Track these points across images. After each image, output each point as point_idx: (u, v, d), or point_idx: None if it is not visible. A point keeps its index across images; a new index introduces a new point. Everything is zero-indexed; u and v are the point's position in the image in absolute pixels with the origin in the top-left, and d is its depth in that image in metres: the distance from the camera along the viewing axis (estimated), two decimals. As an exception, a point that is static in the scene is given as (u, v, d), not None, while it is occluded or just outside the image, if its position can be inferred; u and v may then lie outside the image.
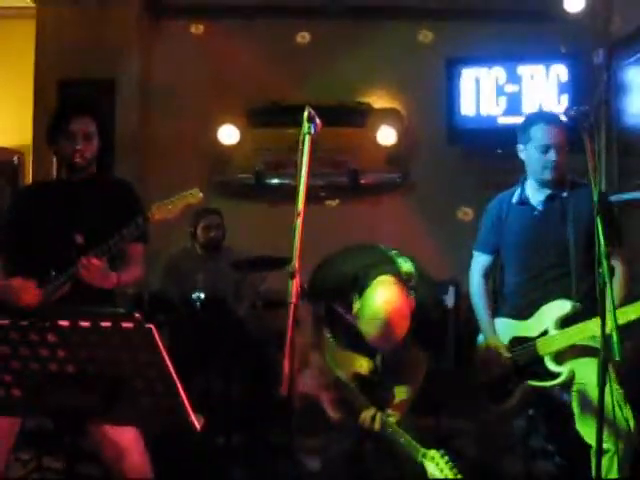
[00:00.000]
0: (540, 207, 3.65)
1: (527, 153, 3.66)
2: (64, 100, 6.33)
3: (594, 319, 3.22)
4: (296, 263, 2.71)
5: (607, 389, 3.03)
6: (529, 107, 6.23)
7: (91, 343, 2.10)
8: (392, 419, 3.31)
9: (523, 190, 3.73)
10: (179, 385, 2.12)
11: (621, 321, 3.01)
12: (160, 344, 2.06)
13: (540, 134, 3.58)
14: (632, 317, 3.22)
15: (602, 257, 2.89)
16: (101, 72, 6.61)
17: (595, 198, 2.99)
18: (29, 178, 6.81)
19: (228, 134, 6.67)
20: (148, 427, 2.99)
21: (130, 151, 6.49)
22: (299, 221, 2.80)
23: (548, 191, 3.64)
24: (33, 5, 6.73)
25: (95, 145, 3.56)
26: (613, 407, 3.07)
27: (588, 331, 3.33)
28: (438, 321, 3.56)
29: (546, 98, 6.31)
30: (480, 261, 3.89)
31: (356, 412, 3.35)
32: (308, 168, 2.90)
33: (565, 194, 3.61)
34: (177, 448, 4.08)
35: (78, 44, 6.57)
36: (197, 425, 2.19)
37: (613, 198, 5.71)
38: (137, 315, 2.02)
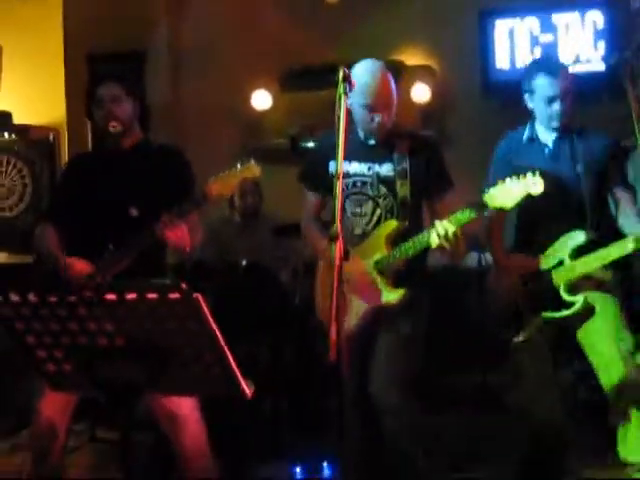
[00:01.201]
0: (550, 145, 3.70)
1: (534, 103, 3.68)
2: (96, 72, 6.33)
3: (615, 244, 3.33)
4: (338, 226, 2.70)
5: (617, 337, 3.45)
6: (565, 56, 6.10)
7: (138, 315, 2.10)
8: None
9: (533, 129, 3.76)
10: (228, 353, 2.12)
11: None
12: (207, 313, 2.06)
13: (543, 86, 3.59)
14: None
15: None
16: (131, 43, 6.63)
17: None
18: (65, 155, 6.83)
19: (261, 99, 6.64)
20: (199, 395, 3.01)
21: (163, 121, 6.44)
22: (339, 184, 2.78)
23: (557, 133, 3.69)
24: (59, -20, 6.72)
25: (126, 108, 3.55)
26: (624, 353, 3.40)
27: (604, 258, 3.38)
28: None
29: (582, 46, 6.18)
30: None
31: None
32: (345, 128, 2.88)
33: (575, 135, 3.66)
34: (224, 412, 4.12)
35: (106, 17, 6.58)
36: (248, 392, 2.20)
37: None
38: (183, 285, 2.01)
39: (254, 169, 3.37)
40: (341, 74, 2.93)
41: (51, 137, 6.92)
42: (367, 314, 3.48)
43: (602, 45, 6.13)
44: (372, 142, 3.53)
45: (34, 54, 6.90)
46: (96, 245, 3.37)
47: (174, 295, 2.02)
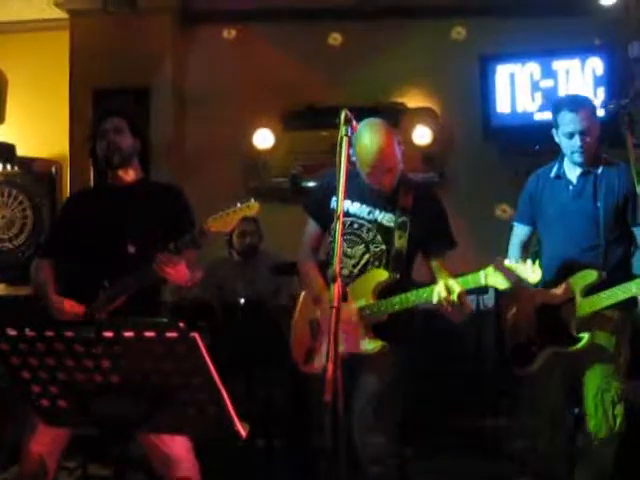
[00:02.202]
0: (575, 182, 3.78)
1: (558, 137, 3.78)
2: (100, 108, 6.38)
3: (620, 286, 3.47)
4: (337, 267, 2.70)
5: (606, 385, 3.61)
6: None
7: (135, 353, 2.10)
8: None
9: (561, 165, 3.86)
10: (224, 393, 2.12)
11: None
12: (204, 352, 2.05)
13: (565, 121, 3.70)
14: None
15: None
16: (135, 80, 6.66)
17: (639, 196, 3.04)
18: (67, 188, 6.87)
19: (263, 138, 6.68)
20: (194, 435, 3.00)
21: (166, 158, 6.52)
22: (339, 224, 2.79)
23: (582, 169, 3.77)
24: (66, 16, 6.79)
25: (128, 140, 3.57)
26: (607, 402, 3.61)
27: (612, 297, 3.49)
28: None
29: (582, 92, 6.21)
30: (518, 232, 4.03)
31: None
32: (346, 170, 2.90)
33: (599, 171, 3.74)
34: (217, 451, 4.09)
35: (112, 53, 6.63)
36: (243, 433, 2.19)
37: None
38: (181, 324, 2.01)
39: (253, 207, 3.38)
40: (343, 116, 2.96)
41: (53, 170, 6.98)
42: (343, 356, 3.42)
43: (601, 91, 6.18)
44: (377, 187, 3.51)
45: (39, 87, 6.99)
46: (92, 281, 3.37)
47: (171, 334, 2.03)
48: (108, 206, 3.57)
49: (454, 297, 3.22)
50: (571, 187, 3.78)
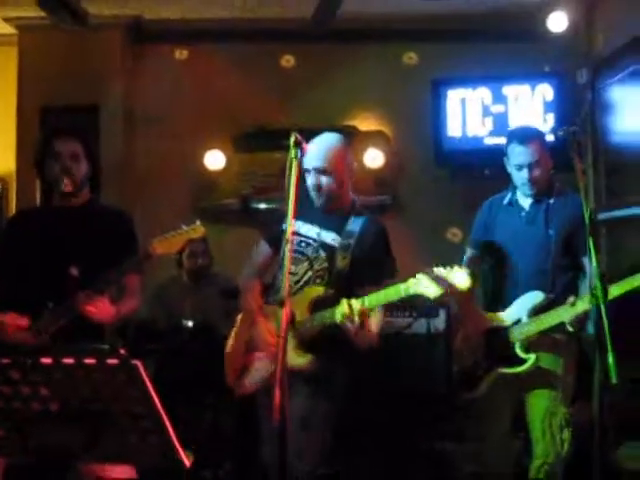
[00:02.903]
0: (527, 209, 3.83)
1: (510, 168, 3.83)
2: (49, 125, 6.28)
3: (564, 306, 3.53)
4: (286, 292, 2.67)
5: (553, 409, 3.66)
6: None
7: (75, 380, 2.04)
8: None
9: (514, 193, 3.90)
10: (167, 421, 2.07)
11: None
12: (147, 380, 2.00)
13: (514, 153, 3.75)
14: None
15: (596, 278, 3.02)
16: (85, 98, 6.57)
17: (587, 219, 3.07)
18: (12, 207, 6.75)
19: (214, 159, 6.63)
20: (136, 464, 2.92)
21: (115, 177, 6.41)
22: (288, 248, 2.76)
23: (533, 198, 3.82)
24: (15, 32, 6.69)
25: (84, 167, 3.51)
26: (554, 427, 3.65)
27: (557, 317, 3.56)
28: None
29: (532, 118, 6.30)
30: (469, 259, 4.04)
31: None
32: (296, 193, 2.88)
33: (552, 200, 3.78)
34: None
35: (61, 70, 6.55)
36: (187, 462, 2.13)
37: (601, 216, 5.74)
38: (122, 351, 1.96)
39: (199, 230, 3.39)
40: (293, 139, 2.94)
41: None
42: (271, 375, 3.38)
43: (551, 117, 6.27)
44: (325, 208, 3.53)
45: (-14, 105, 6.86)
46: (35, 302, 3.30)
47: (112, 361, 1.97)
48: (53, 227, 3.50)
49: (355, 316, 3.19)
50: (523, 214, 3.82)
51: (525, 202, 3.84)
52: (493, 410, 3.80)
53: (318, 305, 3.40)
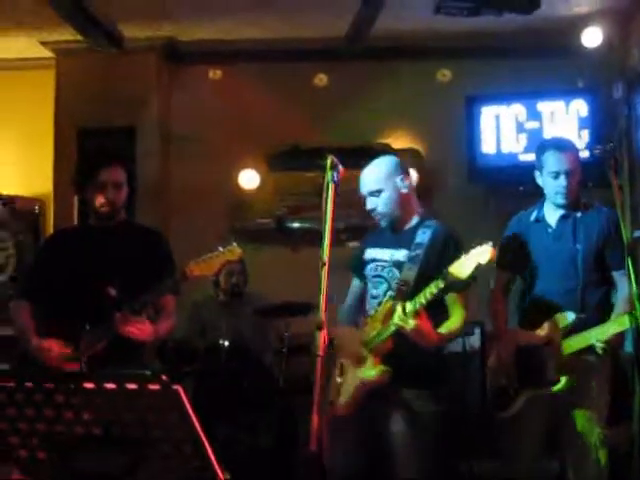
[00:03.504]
0: (554, 225, 3.79)
1: (542, 179, 3.80)
2: (90, 149, 6.34)
3: (595, 328, 3.50)
4: (322, 315, 2.68)
5: (588, 429, 3.60)
6: (550, 144, 6.20)
7: (117, 405, 2.05)
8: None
9: (541, 209, 3.87)
10: (208, 446, 2.07)
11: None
12: (187, 405, 2.01)
13: (551, 161, 3.73)
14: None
15: (635, 298, 3.10)
16: (121, 120, 6.67)
17: (625, 238, 3.04)
18: (50, 227, 6.82)
19: (249, 179, 6.68)
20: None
21: (151, 198, 6.48)
22: (324, 271, 2.77)
23: (562, 211, 3.78)
24: (52, 55, 6.80)
25: (124, 194, 3.56)
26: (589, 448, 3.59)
27: (586, 340, 3.51)
28: None
29: (566, 134, 6.25)
30: (500, 277, 3.99)
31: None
32: (332, 216, 2.88)
33: (579, 214, 3.75)
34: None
35: (97, 92, 6.64)
36: (225, 485, 2.14)
37: (637, 233, 5.67)
38: (163, 377, 1.98)
39: (236, 251, 3.42)
40: (329, 162, 2.95)
41: (37, 209, 6.92)
42: (359, 391, 3.43)
43: (586, 133, 6.23)
44: (397, 230, 3.62)
45: (24, 126, 6.96)
46: (73, 324, 3.33)
47: (154, 386, 1.99)
48: (90, 247, 3.54)
49: (408, 318, 3.23)
50: (550, 230, 3.79)
51: (552, 218, 3.80)
52: (526, 429, 3.74)
53: (388, 318, 3.42)
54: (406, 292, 3.43)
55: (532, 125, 6.35)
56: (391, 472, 3.44)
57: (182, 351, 5.18)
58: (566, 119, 6.29)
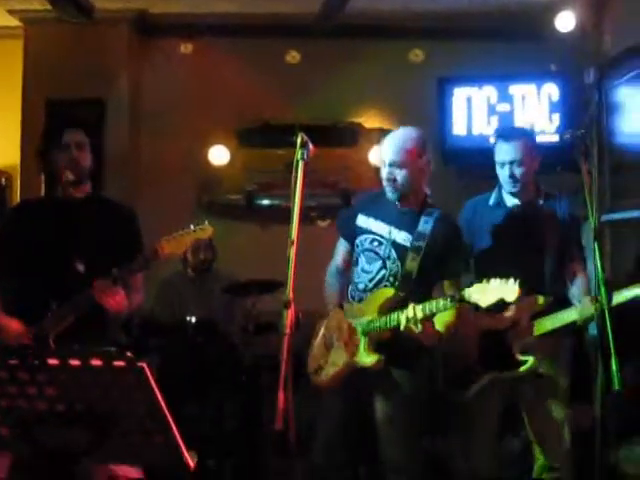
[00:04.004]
0: (514, 210, 3.81)
1: (496, 167, 3.82)
2: (55, 117, 6.26)
3: (568, 309, 3.54)
4: (290, 293, 2.67)
5: (556, 410, 3.68)
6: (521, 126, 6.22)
7: (81, 382, 2.04)
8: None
9: (500, 193, 3.88)
10: (172, 423, 2.07)
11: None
12: (152, 382, 2.00)
13: (499, 151, 3.77)
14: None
15: (601, 283, 3.10)
16: (90, 92, 6.57)
17: (592, 224, 3.09)
18: (17, 199, 6.74)
19: (218, 154, 6.63)
20: (140, 464, 2.93)
21: (120, 171, 6.44)
22: (293, 250, 2.75)
23: (518, 198, 3.80)
24: (20, 24, 6.68)
25: (88, 157, 3.48)
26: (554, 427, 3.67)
27: (558, 321, 3.55)
28: None
29: (537, 117, 6.30)
30: None
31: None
32: (301, 194, 2.87)
33: (539, 201, 3.80)
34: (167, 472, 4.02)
35: (66, 63, 6.54)
36: (191, 463, 2.13)
37: (605, 217, 5.73)
38: (129, 354, 1.96)
39: (207, 230, 3.39)
40: (299, 140, 2.93)
41: (3, 181, 6.83)
42: (345, 367, 3.50)
43: (557, 117, 6.26)
44: (399, 207, 3.60)
45: (-9, 96, 6.86)
46: (39, 300, 3.27)
47: (119, 363, 1.97)
48: (57, 221, 3.46)
49: (417, 322, 3.25)
50: (511, 214, 3.81)
51: (512, 203, 3.83)
52: (482, 411, 3.77)
53: (387, 307, 3.44)
54: (409, 285, 3.46)
55: (503, 108, 6.37)
56: (376, 452, 3.53)
57: (148, 326, 5.16)
58: (537, 103, 6.32)
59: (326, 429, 3.61)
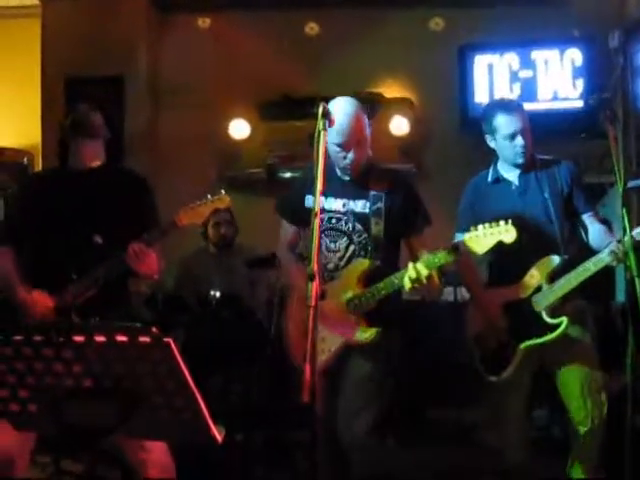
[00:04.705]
0: (517, 182, 3.77)
1: (496, 142, 3.77)
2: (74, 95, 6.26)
3: (590, 259, 3.46)
4: (314, 265, 2.64)
5: (590, 376, 3.61)
6: (544, 93, 6.17)
7: (107, 358, 2.04)
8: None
9: (496, 170, 3.85)
10: (199, 398, 2.06)
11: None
12: (179, 358, 1.99)
13: (503, 124, 3.70)
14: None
15: (629, 249, 3.13)
16: (109, 69, 6.57)
17: (620, 189, 3.05)
18: (39, 178, 6.74)
19: (239, 128, 6.61)
20: (168, 440, 2.94)
21: (140, 147, 6.44)
22: (317, 221, 2.73)
23: (521, 169, 3.77)
24: (37, 3, 6.66)
25: (99, 118, 3.49)
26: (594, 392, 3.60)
27: (586, 272, 3.48)
28: None
29: (561, 83, 6.22)
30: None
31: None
32: (324, 166, 2.84)
33: (538, 169, 3.75)
34: (194, 444, 4.04)
35: (84, 41, 6.53)
36: (218, 438, 2.13)
37: (631, 184, 5.66)
38: (154, 329, 1.95)
39: (225, 200, 3.40)
40: (321, 110, 2.90)
41: (25, 160, 6.84)
42: (340, 349, 3.44)
43: (580, 83, 6.18)
44: (348, 178, 3.51)
45: (10, 76, 6.86)
46: (59, 271, 3.29)
47: (144, 339, 1.96)
48: (73, 192, 3.46)
49: (423, 280, 3.22)
50: (514, 187, 3.77)
51: (512, 176, 3.78)
52: (515, 383, 3.71)
53: (369, 278, 3.40)
54: (380, 250, 3.43)
55: (526, 74, 6.30)
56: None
57: (172, 302, 5.17)
58: (560, 68, 6.24)
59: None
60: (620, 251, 3.34)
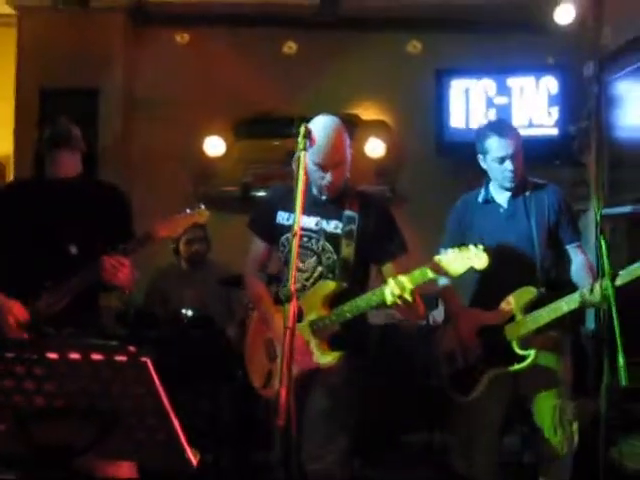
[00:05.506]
0: (505, 205, 3.80)
1: (487, 163, 3.80)
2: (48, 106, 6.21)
3: (564, 298, 3.49)
4: (292, 286, 2.61)
5: (561, 406, 3.66)
6: (519, 119, 6.19)
7: (81, 376, 1.98)
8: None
9: (488, 190, 3.87)
10: (175, 419, 2.02)
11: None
12: (155, 377, 1.95)
13: (495, 146, 3.72)
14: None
15: (607, 277, 3.09)
16: (85, 81, 6.51)
17: (597, 217, 3.07)
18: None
19: (214, 145, 6.58)
20: (142, 462, 2.88)
21: (113, 161, 6.39)
22: (295, 241, 2.70)
23: (511, 192, 3.80)
24: (14, 12, 6.60)
25: (76, 129, 3.50)
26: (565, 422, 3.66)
27: (558, 310, 3.50)
28: None
29: (536, 110, 6.27)
30: None
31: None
32: (304, 186, 2.81)
33: (528, 193, 3.77)
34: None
35: (61, 52, 6.47)
36: (193, 461, 2.09)
37: (603, 212, 5.69)
38: (131, 348, 1.91)
39: (203, 214, 3.41)
40: (302, 130, 2.88)
41: (-3, 171, 6.76)
42: (297, 376, 3.21)
43: (555, 110, 6.23)
44: (324, 198, 3.45)
45: (-16, 85, 6.77)
46: (32, 281, 3.25)
47: (121, 357, 1.92)
48: (48, 202, 3.45)
49: (407, 295, 3.08)
50: (502, 210, 3.79)
51: (502, 198, 3.80)
52: (484, 408, 3.72)
53: (335, 301, 3.32)
54: (347, 273, 3.36)
55: (501, 100, 6.35)
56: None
57: (144, 317, 5.11)
58: (536, 95, 6.30)
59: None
60: (588, 300, 3.39)
